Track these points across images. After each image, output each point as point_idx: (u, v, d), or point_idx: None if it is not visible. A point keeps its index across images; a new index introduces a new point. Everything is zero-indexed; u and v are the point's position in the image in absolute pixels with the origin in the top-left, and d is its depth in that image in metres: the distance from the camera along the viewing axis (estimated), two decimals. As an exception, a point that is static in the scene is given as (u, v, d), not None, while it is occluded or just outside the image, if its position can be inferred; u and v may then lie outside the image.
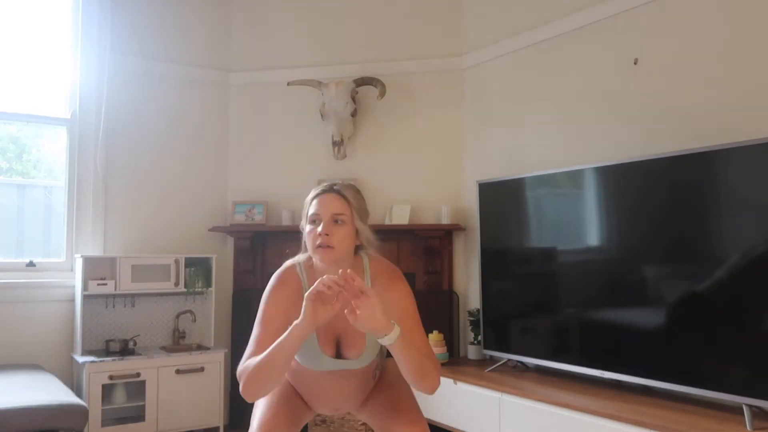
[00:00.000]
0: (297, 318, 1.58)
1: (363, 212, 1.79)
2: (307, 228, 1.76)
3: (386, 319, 1.56)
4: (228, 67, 4.48)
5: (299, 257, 1.85)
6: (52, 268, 3.88)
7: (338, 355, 1.81)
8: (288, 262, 1.85)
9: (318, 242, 1.70)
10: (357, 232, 1.76)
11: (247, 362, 1.64)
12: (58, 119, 3.97)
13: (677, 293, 2.65)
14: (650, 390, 2.86)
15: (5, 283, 3.69)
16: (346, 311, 1.56)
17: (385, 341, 1.59)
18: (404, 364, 1.64)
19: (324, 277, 1.55)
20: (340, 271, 1.55)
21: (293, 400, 1.92)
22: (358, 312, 1.54)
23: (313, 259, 1.78)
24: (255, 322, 1.75)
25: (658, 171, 2.71)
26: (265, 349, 1.61)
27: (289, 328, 1.58)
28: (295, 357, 1.79)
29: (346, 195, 1.75)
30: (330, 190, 1.76)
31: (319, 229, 1.71)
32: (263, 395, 1.69)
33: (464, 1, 4.13)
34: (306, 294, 1.57)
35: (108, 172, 4.02)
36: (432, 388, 1.69)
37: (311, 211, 1.75)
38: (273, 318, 1.72)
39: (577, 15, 3.38)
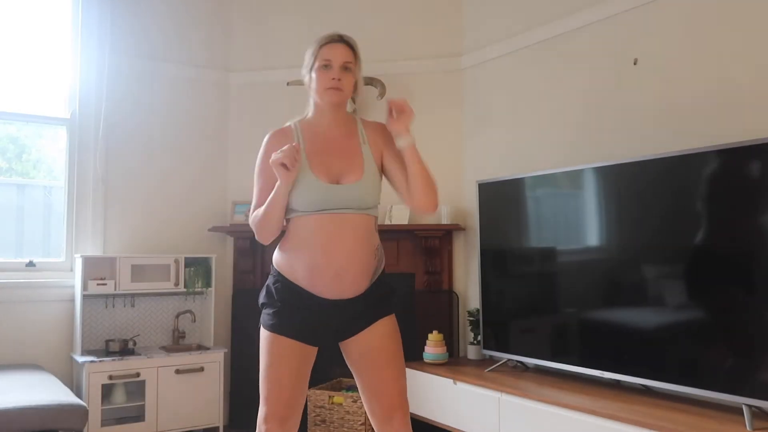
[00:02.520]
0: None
1: (361, 65, 1.98)
2: (317, 72, 1.90)
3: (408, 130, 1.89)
4: (228, 67, 4.48)
5: (294, 119, 2.02)
6: (51, 268, 3.88)
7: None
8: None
9: (330, 84, 1.88)
10: (356, 83, 1.95)
11: (254, 213, 1.93)
12: (57, 119, 3.97)
13: (677, 293, 2.65)
14: (650, 390, 2.86)
15: (5, 283, 3.69)
16: (390, 105, 1.89)
17: (402, 142, 1.89)
18: (415, 172, 1.89)
19: (284, 147, 1.78)
20: (294, 144, 1.80)
21: (288, 352, 1.90)
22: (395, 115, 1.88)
23: (312, 108, 1.97)
24: (255, 176, 1.99)
25: (658, 171, 2.71)
26: (266, 200, 1.88)
27: (275, 187, 1.83)
28: (296, 204, 1.89)
29: (354, 47, 1.94)
30: (340, 39, 1.92)
31: (333, 73, 1.88)
32: (273, 237, 1.92)
33: (464, 1, 4.14)
34: (270, 160, 1.80)
35: (107, 172, 4.02)
36: (434, 205, 1.94)
37: (324, 56, 1.90)
38: (268, 168, 1.87)
39: (577, 15, 3.39)
